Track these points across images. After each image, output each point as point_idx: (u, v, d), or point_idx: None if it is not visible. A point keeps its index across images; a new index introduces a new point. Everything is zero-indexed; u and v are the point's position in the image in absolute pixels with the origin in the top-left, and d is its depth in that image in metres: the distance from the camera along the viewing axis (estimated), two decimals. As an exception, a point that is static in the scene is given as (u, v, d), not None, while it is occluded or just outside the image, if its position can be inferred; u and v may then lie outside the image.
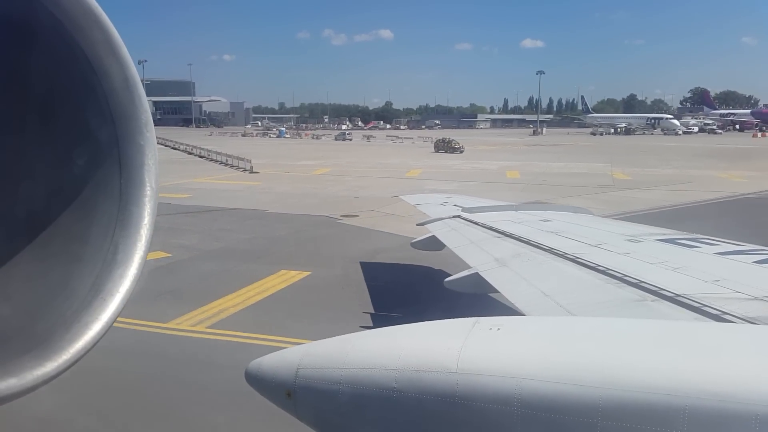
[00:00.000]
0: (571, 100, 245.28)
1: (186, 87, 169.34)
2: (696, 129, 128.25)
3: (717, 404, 2.19)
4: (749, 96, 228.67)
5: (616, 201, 27.24)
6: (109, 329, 1.76)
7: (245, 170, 40.94)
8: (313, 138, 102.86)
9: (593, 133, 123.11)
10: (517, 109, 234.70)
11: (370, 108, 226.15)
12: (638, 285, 4.93)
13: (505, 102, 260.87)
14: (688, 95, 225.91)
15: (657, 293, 4.65)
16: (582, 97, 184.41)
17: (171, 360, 9.58)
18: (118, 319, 1.92)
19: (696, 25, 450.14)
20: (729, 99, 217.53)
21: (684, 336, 2.88)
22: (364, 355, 3.08)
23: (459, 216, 10.54)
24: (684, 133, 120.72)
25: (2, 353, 1.56)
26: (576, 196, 27.66)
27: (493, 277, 6.39)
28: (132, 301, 2.00)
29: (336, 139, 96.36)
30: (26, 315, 1.76)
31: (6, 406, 1.59)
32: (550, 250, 6.78)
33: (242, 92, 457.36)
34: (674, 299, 4.43)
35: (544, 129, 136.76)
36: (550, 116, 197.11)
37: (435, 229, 10.26)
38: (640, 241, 7.19)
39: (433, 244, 10.06)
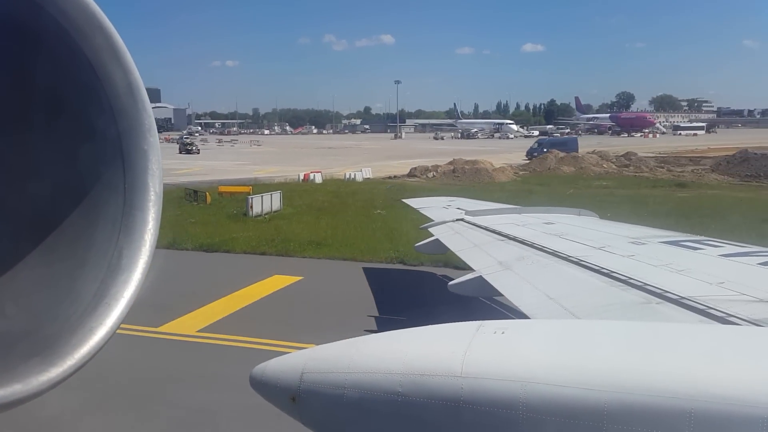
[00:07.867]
0: (538, 105, 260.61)
1: (154, 93, 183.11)
2: (536, 132, 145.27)
3: (723, 407, 2.17)
4: (693, 99, 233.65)
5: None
6: (113, 334, 1.76)
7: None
8: (167, 142, 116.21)
9: (435, 138, 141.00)
10: (485, 114, 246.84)
11: (344, 114, 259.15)
12: (643, 287, 4.91)
13: (476, 107, 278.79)
14: (614, 99, 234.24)
15: (662, 296, 4.63)
16: (455, 104, 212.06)
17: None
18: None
19: (697, 27, 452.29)
20: (665, 103, 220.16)
21: (689, 338, 2.87)
22: (369, 360, 3.07)
23: (462, 219, 10.54)
24: (525, 136, 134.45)
25: (7, 358, 1.55)
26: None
27: (497, 280, 6.37)
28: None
29: (177, 142, 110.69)
30: (31, 319, 1.75)
31: (10, 411, 1.59)
32: (554, 253, 6.76)
33: (237, 97, 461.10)
34: (679, 302, 4.41)
35: (404, 134, 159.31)
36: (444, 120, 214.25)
37: (438, 233, 10.25)
38: (644, 244, 7.17)
39: (437, 247, 10.06)
